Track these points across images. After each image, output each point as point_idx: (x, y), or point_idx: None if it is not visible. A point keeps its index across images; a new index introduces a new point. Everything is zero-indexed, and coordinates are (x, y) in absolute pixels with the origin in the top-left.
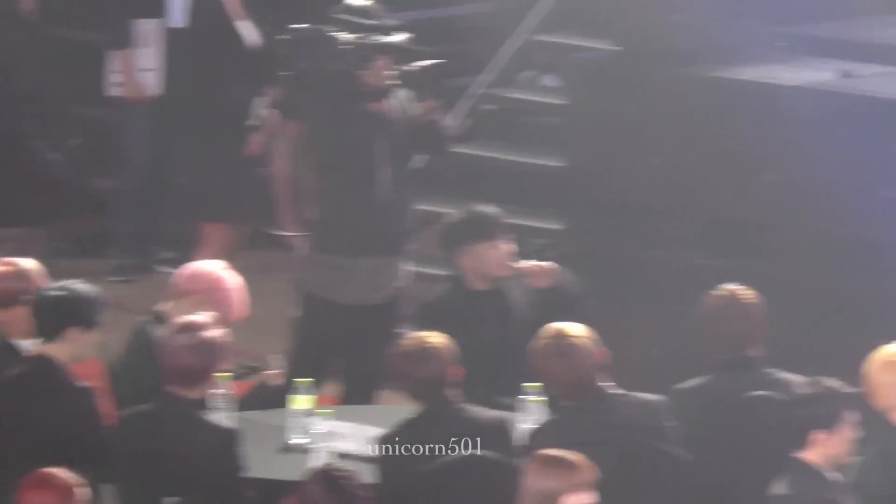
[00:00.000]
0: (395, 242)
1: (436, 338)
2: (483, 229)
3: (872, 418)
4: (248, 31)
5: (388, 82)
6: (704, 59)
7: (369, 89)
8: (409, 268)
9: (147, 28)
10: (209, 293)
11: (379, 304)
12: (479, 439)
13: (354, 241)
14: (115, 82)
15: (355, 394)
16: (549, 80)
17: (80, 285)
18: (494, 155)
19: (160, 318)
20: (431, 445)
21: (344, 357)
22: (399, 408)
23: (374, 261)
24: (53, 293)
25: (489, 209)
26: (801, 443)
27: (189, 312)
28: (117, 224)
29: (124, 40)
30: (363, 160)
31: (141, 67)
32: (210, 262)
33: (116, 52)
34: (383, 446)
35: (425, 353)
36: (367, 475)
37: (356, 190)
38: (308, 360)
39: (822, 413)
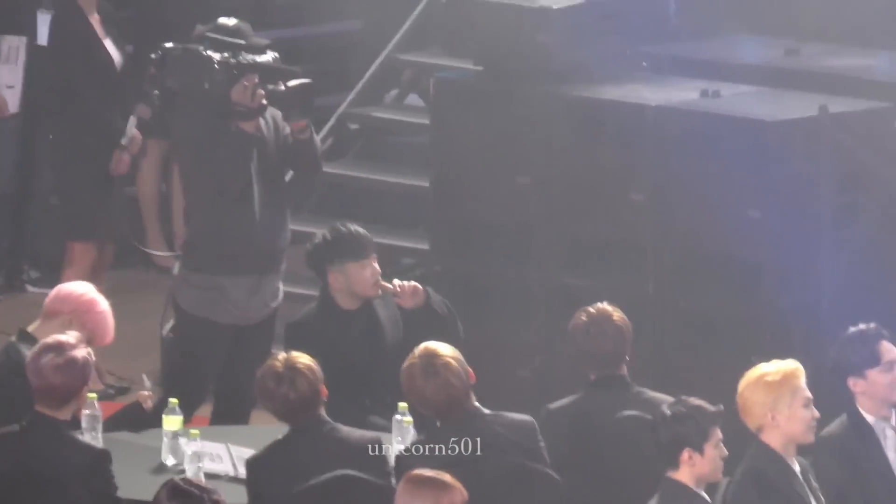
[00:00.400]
0: (270, 261)
1: (303, 358)
2: (351, 248)
3: (743, 437)
4: (113, 51)
5: (258, 101)
6: (569, 79)
7: (239, 108)
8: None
9: (10, 45)
10: (78, 314)
11: (255, 324)
12: (350, 459)
13: (229, 261)
14: None
15: (230, 414)
16: (413, 99)
17: None
18: (360, 174)
19: (28, 338)
20: (302, 466)
21: (219, 377)
22: (270, 428)
23: (249, 280)
24: None
25: (357, 228)
26: (672, 462)
27: (57, 333)
28: None
29: None
30: (235, 179)
31: (3, 84)
32: (80, 284)
33: None
34: (253, 467)
35: (292, 373)
36: (238, 496)
37: (229, 209)
38: (182, 379)
39: (690, 432)
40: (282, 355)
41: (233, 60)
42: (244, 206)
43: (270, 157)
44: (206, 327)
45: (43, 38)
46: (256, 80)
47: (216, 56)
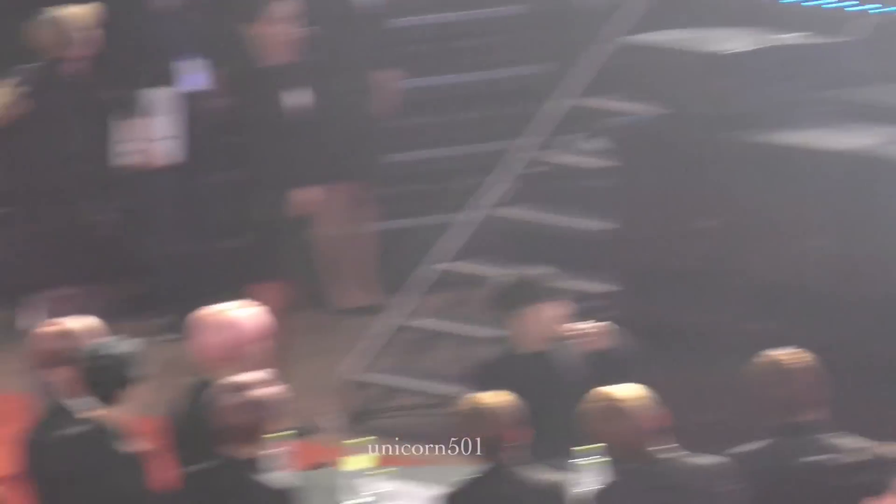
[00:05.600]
0: None
1: (496, 398)
2: (534, 292)
3: None
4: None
5: None
6: (751, 124)
7: None
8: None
9: (164, 96)
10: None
11: None
12: (535, 502)
13: None
14: (127, 151)
15: None
16: (594, 144)
17: (127, 344)
18: (541, 218)
19: (209, 377)
20: None
21: None
22: (456, 468)
23: None
24: (103, 357)
25: (540, 272)
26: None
27: (239, 371)
28: (162, 284)
29: (144, 108)
30: None
31: (161, 135)
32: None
33: (136, 120)
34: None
35: (486, 413)
36: None
37: None
38: None
39: (872, 479)
40: (481, 394)
41: None
42: None
43: None
44: None
45: (196, 82)
46: None
47: None
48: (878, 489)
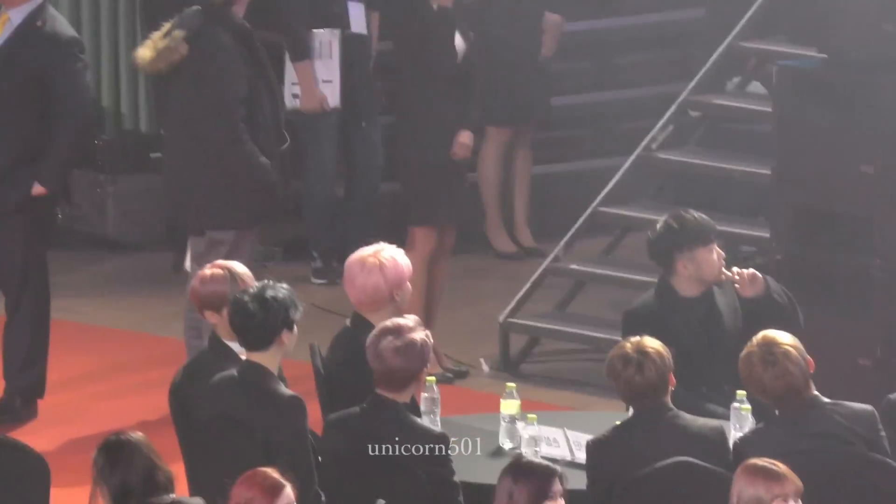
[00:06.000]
0: None
1: (654, 344)
2: (700, 234)
3: None
4: (458, 42)
5: None
6: None
7: None
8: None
9: (322, 40)
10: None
11: None
12: (691, 447)
13: None
14: (294, 94)
15: None
16: (755, 87)
17: (278, 287)
18: (700, 161)
19: (362, 321)
20: (642, 451)
21: None
22: (607, 414)
23: None
24: (257, 299)
25: (701, 214)
26: None
27: (390, 315)
28: (316, 229)
29: (304, 52)
30: None
31: (320, 79)
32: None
33: (296, 64)
34: (594, 450)
35: (642, 357)
36: (575, 481)
37: None
38: None
39: None
40: (634, 339)
41: None
42: None
43: None
44: None
45: (357, 26)
46: None
47: None
48: None
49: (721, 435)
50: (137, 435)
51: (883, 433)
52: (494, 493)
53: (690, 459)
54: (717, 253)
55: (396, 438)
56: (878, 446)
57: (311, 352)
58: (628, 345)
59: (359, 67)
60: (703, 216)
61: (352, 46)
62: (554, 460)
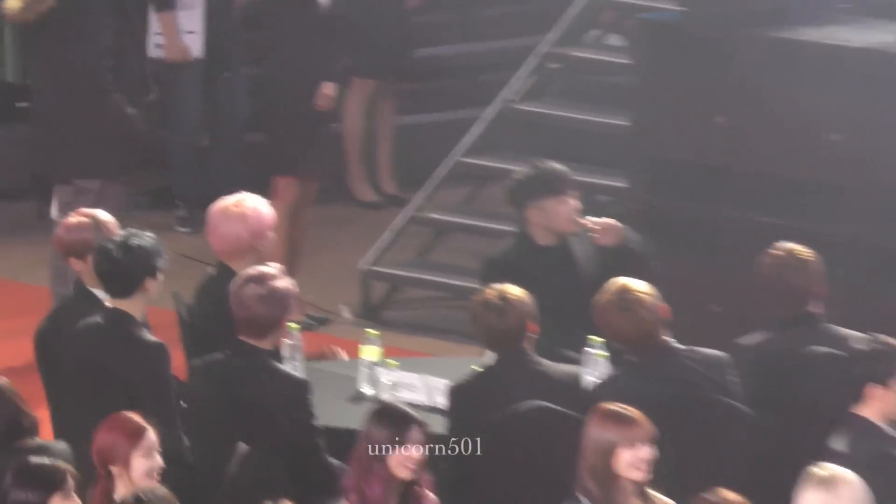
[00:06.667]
0: None
1: (518, 291)
2: (552, 185)
3: None
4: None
5: None
6: (770, 21)
7: None
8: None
9: None
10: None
11: None
12: (550, 393)
13: None
14: (157, 44)
15: None
16: (614, 40)
17: (142, 235)
18: (559, 113)
19: (226, 269)
20: (503, 396)
21: None
22: (464, 360)
23: None
24: (121, 247)
25: (557, 165)
26: (857, 398)
27: (253, 263)
28: (181, 178)
29: (167, 3)
30: None
31: (184, 30)
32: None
33: (159, 15)
34: (456, 395)
35: (503, 304)
36: (435, 425)
37: None
38: None
39: (878, 368)
40: (498, 286)
41: None
42: None
43: None
44: None
45: None
46: None
47: None
48: (884, 378)
49: (576, 380)
50: (2, 380)
51: (734, 378)
52: (356, 437)
53: (546, 404)
54: (569, 203)
55: (258, 384)
56: (729, 391)
57: (175, 299)
58: (492, 291)
59: (223, 18)
60: (558, 167)
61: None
62: (414, 405)
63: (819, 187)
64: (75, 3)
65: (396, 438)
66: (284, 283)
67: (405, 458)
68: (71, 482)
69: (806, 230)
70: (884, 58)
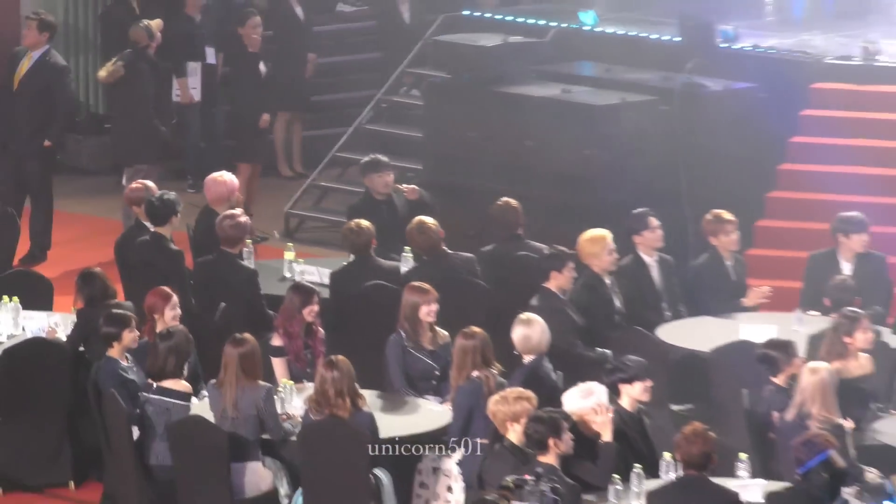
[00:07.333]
0: None
1: (365, 223)
2: (378, 166)
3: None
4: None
5: None
6: (496, 81)
7: None
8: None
9: (192, 66)
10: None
11: None
12: (385, 278)
13: None
14: (176, 93)
15: None
16: (415, 92)
17: (172, 194)
18: (386, 129)
19: (211, 211)
20: (359, 279)
21: None
22: (338, 259)
23: None
24: (159, 200)
25: (383, 156)
26: (546, 278)
27: (228, 209)
28: (189, 162)
29: (182, 72)
30: None
31: (191, 86)
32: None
33: (178, 80)
34: (333, 278)
35: (360, 229)
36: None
37: None
38: None
39: (554, 263)
40: (355, 220)
41: None
42: None
43: None
44: None
45: (210, 59)
46: None
47: None
48: (559, 267)
49: (398, 272)
50: (97, 269)
51: (478, 269)
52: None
53: (382, 282)
54: (387, 177)
55: (231, 272)
56: (476, 276)
57: (188, 228)
58: (352, 223)
59: (211, 80)
60: (382, 157)
61: (208, 71)
62: (313, 283)
63: (521, 169)
64: (135, 72)
65: (304, 300)
66: (244, 218)
67: (310, 311)
68: (134, 323)
69: (515, 192)
70: (553, 102)
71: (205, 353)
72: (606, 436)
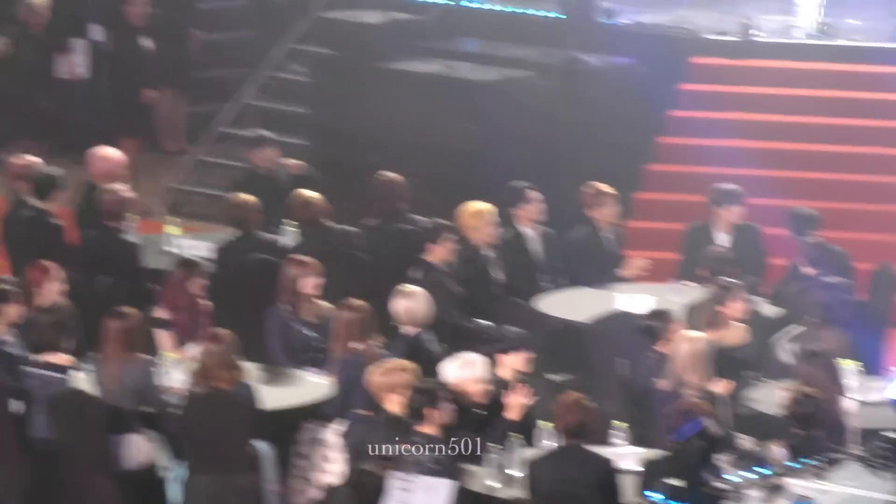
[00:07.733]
0: None
1: (247, 197)
2: (262, 142)
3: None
4: None
5: None
6: (376, 58)
7: None
8: None
9: (78, 43)
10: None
11: None
12: (265, 251)
13: None
14: (62, 71)
15: None
16: (302, 69)
17: (57, 169)
18: (277, 107)
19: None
20: (242, 251)
21: None
22: (222, 234)
23: None
24: (42, 175)
25: (266, 132)
26: (426, 250)
27: (114, 182)
28: (73, 136)
29: (67, 48)
30: None
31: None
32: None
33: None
34: (219, 250)
35: (243, 203)
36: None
37: None
38: None
39: (432, 234)
40: (237, 193)
41: None
42: None
43: None
44: None
45: (98, 36)
46: None
47: None
48: (434, 239)
49: (281, 245)
50: None
51: (362, 243)
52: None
53: (264, 256)
54: (270, 151)
55: (114, 246)
56: (356, 249)
57: (73, 203)
58: (234, 196)
59: (100, 57)
60: (266, 133)
61: (96, 48)
62: (197, 256)
63: (404, 145)
64: (18, 49)
65: (188, 272)
66: (129, 193)
67: (195, 284)
68: (13, 297)
69: (398, 167)
70: (435, 78)
71: (88, 327)
72: (513, 415)
